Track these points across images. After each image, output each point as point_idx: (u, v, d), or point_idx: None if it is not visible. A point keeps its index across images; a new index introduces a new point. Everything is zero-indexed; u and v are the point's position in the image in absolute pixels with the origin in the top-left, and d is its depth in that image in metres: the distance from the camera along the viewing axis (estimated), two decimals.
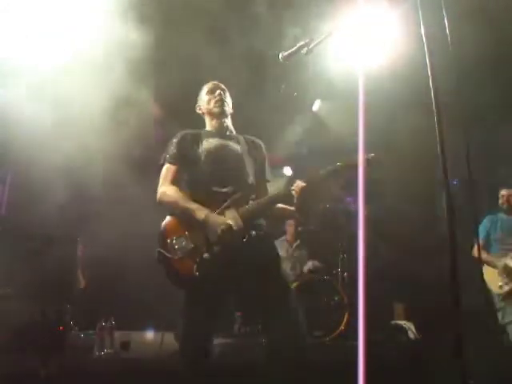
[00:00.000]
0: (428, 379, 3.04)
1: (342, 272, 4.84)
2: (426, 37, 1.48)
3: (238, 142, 2.51)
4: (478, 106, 3.93)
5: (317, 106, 6.22)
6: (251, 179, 2.40)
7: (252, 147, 2.54)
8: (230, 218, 2.21)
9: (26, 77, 4.58)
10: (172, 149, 2.45)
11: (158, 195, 2.40)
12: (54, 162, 5.09)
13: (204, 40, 4.62)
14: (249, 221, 2.25)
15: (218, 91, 2.51)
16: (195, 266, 2.15)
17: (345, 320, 4.31)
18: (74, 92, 4.68)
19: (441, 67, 1.48)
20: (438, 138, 1.42)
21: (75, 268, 3.92)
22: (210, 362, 2.19)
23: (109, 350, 3.38)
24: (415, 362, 3.32)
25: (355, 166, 2.07)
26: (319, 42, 2.12)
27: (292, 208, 2.35)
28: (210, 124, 2.56)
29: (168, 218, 2.35)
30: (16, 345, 3.13)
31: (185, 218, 2.28)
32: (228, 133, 2.53)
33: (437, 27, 1.52)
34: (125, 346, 3.60)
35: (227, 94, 2.56)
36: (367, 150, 1.99)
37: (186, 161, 2.42)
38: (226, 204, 2.25)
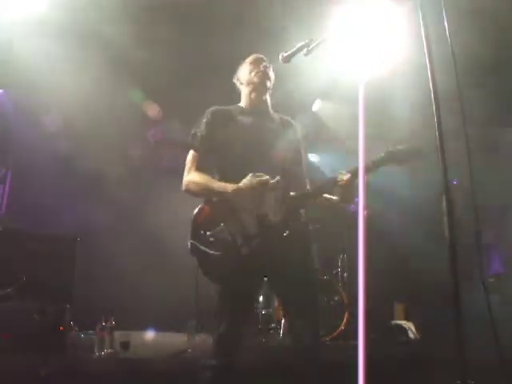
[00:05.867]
0: (428, 379, 3.04)
1: (342, 272, 4.84)
2: (426, 38, 1.48)
3: (273, 122, 2.35)
4: (478, 106, 3.93)
5: (317, 106, 6.22)
6: (288, 164, 2.24)
7: (288, 128, 2.37)
8: (269, 207, 2.06)
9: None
10: (201, 130, 2.26)
11: (184, 184, 2.22)
12: (54, 161, 5.10)
13: (203, 39, 4.64)
14: (290, 212, 2.10)
15: (263, 63, 2.34)
16: (231, 263, 2.02)
17: (345, 320, 4.31)
18: (74, 91, 4.70)
19: (441, 68, 1.48)
20: (437, 139, 1.42)
21: (75, 268, 3.91)
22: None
23: (109, 350, 3.37)
24: (415, 362, 3.32)
25: (403, 155, 2.00)
26: (319, 43, 2.12)
27: (335, 198, 2.23)
28: (246, 98, 2.39)
29: (201, 206, 2.18)
30: (16, 345, 3.13)
31: (219, 207, 2.12)
32: (263, 109, 2.37)
33: (437, 28, 1.52)
34: (125, 346, 3.59)
35: (271, 69, 2.37)
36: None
37: (215, 144, 2.23)
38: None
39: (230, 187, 2.08)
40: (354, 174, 2.11)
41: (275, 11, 4.20)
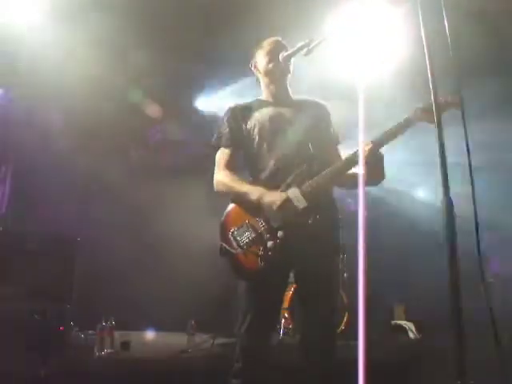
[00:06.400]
0: (428, 379, 3.04)
1: (342, 272, 4.83)
2: (426, 38, 1.48)
3: (296, 108, 2.28)
4: (478, 107, 3.93)
5: None
6: (314, 149, 2.17)
7: (313, 110, 2.30)
8: (292, 197, 2.01)
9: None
10: (223, 129, 2.27)
11: (214, 184, 2.25)
12: (54, 161, 5.10)
13: (202, 38, 4.64)
14: (315, 198, 2.02)
15: (282, 53, 2.23)
16: (259, 259, 1.99)
17: (345, 320, 4.31)
18: (75, 90, 4.70)
19: (441, 68, 1.48)
20: (437, 139, 1.42)
21: (75, 268, 3.91)
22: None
23: (109, 350, 3.37)
24: (415, 362, 3.32)
25: (428, 113, 1.76)
26: (319, 43, 2.12)
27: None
28: (265, 89, 2.35)
29: (229, 207, 2.19)
30: (16, 345, 3.12)
31: (244, 205, 2.12)
32: (284, 98, 2.32)
33: (437, 28, 1.52)
34: (125, 346, 3.59)
35: (291, 59, 2.27)
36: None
37: (239, 139, 2.24)
38: (287, 182, 2.06)
39: (256, 194, 2.07)
40: (378, 143, 1.98)
41: (275, 11, 4.19)
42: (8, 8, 4.14)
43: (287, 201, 2.02)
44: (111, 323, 3.44)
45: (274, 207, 2.02)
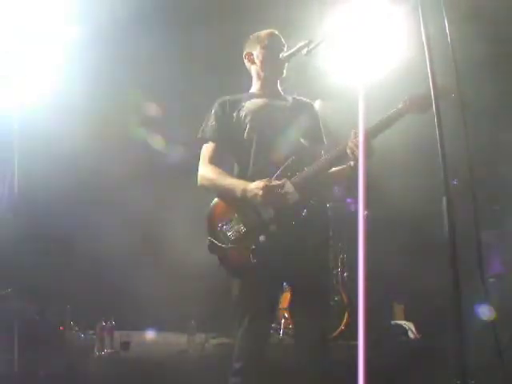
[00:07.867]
0: (428, 379, 3.04)
1: (342, 272, 4.83)
2: (427, 37, 1.48)
3: (287, 103, 2.26)
4: (478, 106, 3.93)
5: (317, 106, 6.21)
6: (303, 141, 2.15)
7: (302, 107, 2.29)
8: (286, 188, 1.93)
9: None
10: (210, 122, 2.20)
11: (198, 179, 2.16)
12: (55, 161, 5.10)
13: (200, 41, 4.64)
14: (306, 190, 1.96)
15: (282, 52, 2.20)
16: (251, 254, 1.92)
17: (345, 320, 4.30)
18: (75, 91, 4.70)
19: (441, 68, 1.48)
20: (438, 138, 1.42)
21: (75, 268, 3.92)
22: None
23: (109, 350, 3.38)
24: (415, 362, 3.32)
25: (421, 101, 1.76)
26: (319, 43, 2.12)
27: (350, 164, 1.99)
28: (258, 80, 2.29)
29: (215, 201, 2.12)
30: (16, 345, 3.13)
31: (230, 201, 2.05)
32: (277, 93, 2.28)
33: (437, 28, 1.52)
34: (125, 346, 3.60)
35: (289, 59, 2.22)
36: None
37: (227, 132, 2.16)
38: (276, 174, 2.00)
39: (238, 190, 2.01)
40: (369, 134, 1.90)
41: (275, 11, 4.19)
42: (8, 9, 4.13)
43: (271, 188, 1.93)
44: (111, 323, 3.45)
45: (258, 198, 1.93)
